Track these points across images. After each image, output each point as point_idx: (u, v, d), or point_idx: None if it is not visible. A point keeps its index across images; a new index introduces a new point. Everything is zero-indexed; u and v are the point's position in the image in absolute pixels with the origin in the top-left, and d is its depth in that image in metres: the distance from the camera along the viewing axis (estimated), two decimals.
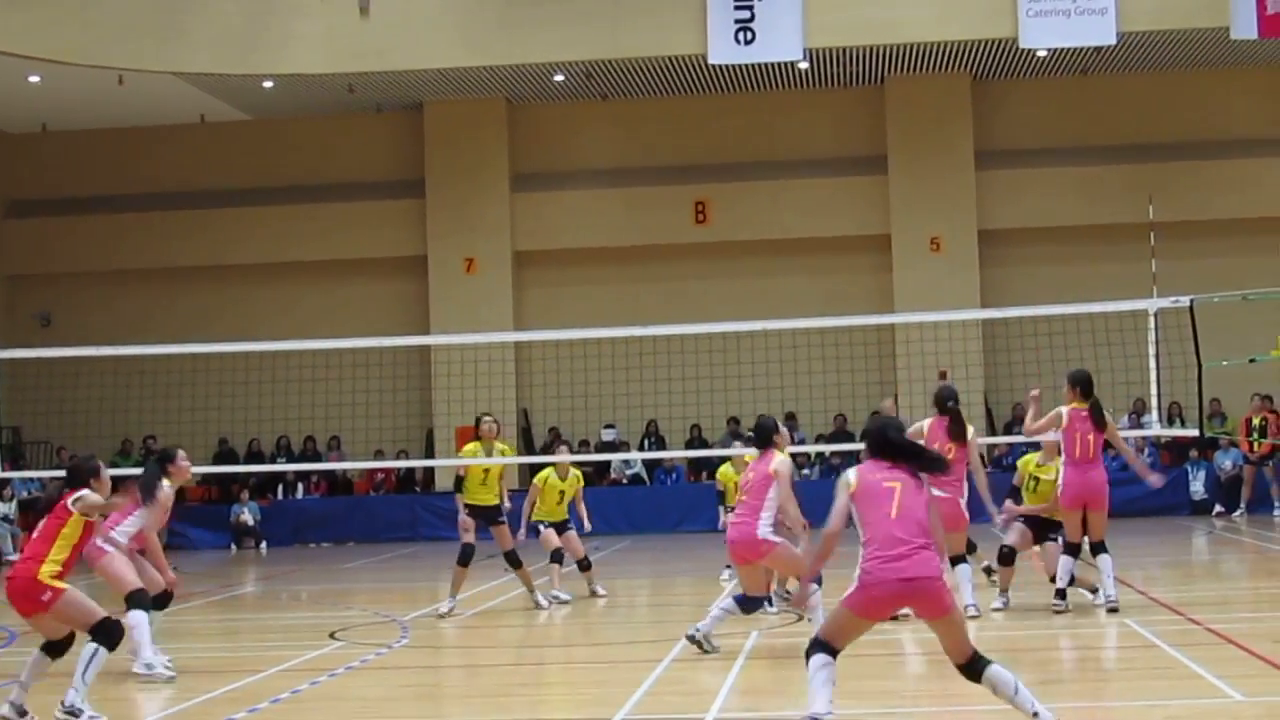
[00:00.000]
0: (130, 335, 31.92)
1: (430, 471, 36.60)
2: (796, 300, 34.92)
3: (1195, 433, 23.80)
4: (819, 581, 14.21)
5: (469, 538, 19.46)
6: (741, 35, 31.35)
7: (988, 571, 21.54)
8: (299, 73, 33.52)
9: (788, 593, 16.97)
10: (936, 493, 16.33)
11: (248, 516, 34.74)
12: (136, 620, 14.38)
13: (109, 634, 12.47)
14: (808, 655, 10.48)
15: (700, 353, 31.44)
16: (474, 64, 33.76)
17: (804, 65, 34.22)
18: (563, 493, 21.18)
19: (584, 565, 21.21)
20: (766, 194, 36.88)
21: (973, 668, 10.50)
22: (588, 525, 21.73)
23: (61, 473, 15.19)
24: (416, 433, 36.80)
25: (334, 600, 21.96)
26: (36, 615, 12.51)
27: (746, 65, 33.36)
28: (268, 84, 34.41)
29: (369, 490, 36.79)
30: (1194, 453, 33.82)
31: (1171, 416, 31.73)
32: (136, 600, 14.54)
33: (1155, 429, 22.30)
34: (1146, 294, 23.71)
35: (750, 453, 16.61)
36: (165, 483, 14.82)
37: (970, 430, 17.06)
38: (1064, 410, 16.82)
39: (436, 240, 37.16)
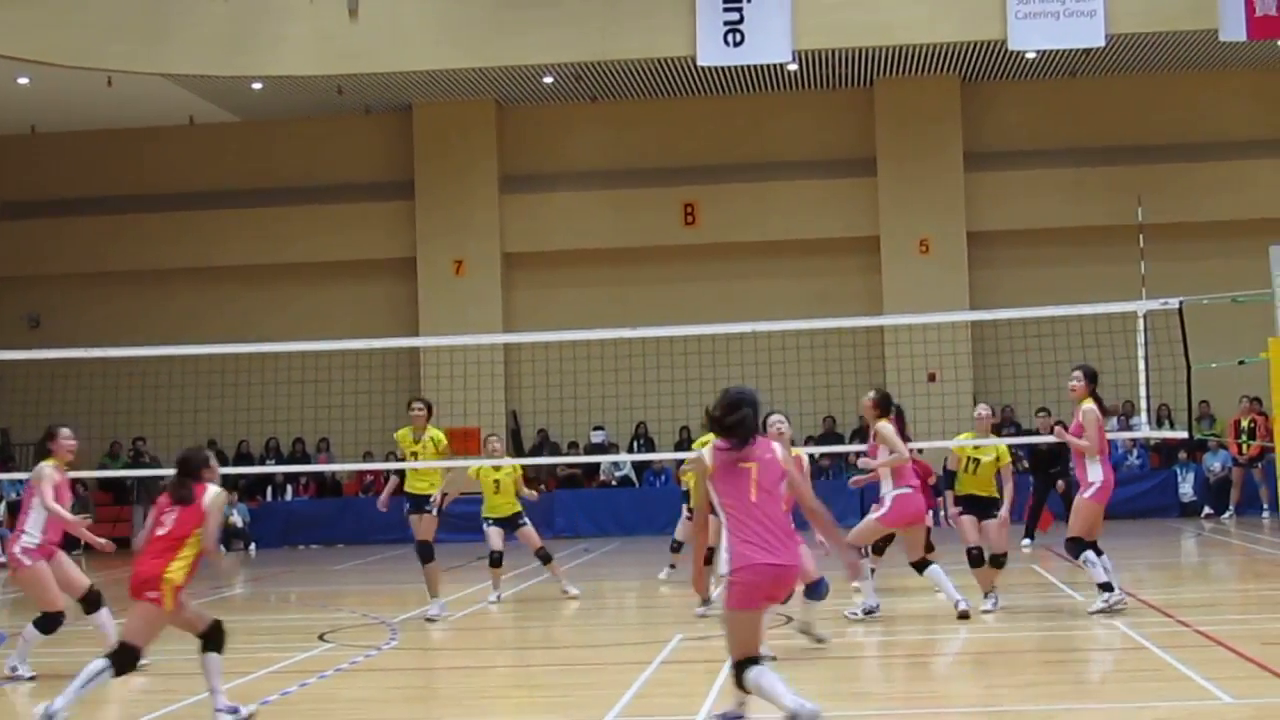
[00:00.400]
0: (119, 337, 31.93)
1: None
2: (785, 302, 34.92)
3: (1184, 435, 23.82)
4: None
5: (421, 534, 19.43)
6: (730, 37, 31.35)
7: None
8: (288, 74, 33.50)
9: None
10: (895, 491, 16.56)
11: (236, 518, 34.70)
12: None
13: (218, 638, 12.54)
14: (737, 679, 10.20)
15: (689, 354, 31.43)
16: (463, 66, 33.76)
17: (793, 67, 34.24)
18: (498, 482, 21.37)
19: (544, 558, 21.19)
20: (755, 196, 36.90)
21: (751, 661, 10.28)
22: (534, 494, 22.12)
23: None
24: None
25: (323, 602, 21.95)
26: (142, 601, 12.43)
27: (735, 67, 33.38)
28: (256, 85, 34.39)
29: (358, 492, 36.75)
30: (1183, 455, 33.89)
31: (1160, 418, 31.74)
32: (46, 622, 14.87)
33: (1144, 431, 22.33)
34: (1135, 296, 23.79)
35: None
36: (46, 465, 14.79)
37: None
38: (1095, 408, 17.08)
39: (426, 242, 37.15)
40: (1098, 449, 16.97)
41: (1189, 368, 20.18)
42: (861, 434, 34.71)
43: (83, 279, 38.50)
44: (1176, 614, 16.40)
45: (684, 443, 34.78)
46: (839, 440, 34.67)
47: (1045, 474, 27.17)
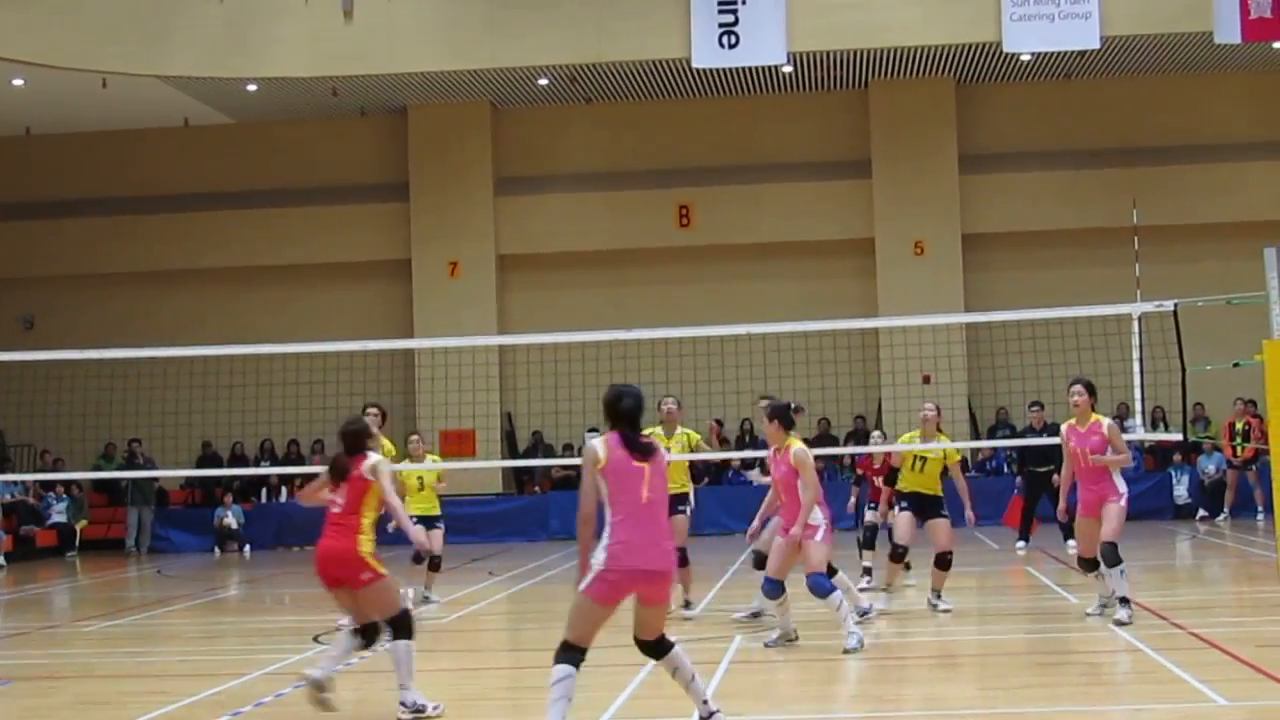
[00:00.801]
0: (114, 338, 31.88)
1: None
2: (780, 304, 34.94)
3: (1179, 437, 23.80)
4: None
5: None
6: (725, 39, 31.35)
7: (906, 566, 21.36)
8: (283, 76, 33.49)
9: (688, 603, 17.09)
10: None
11: (231, 520, 34.70)
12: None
13: (408, 626, 12.62)
14: (555, 659, 10.36)
15: (684, 356, 31.43)
16: (458, 68, 33.75)
17: (788, 69, 34.25)
18: (421, 479, 21.23)
19: (433, 565, 21.11)
20: (750, 198, 36.90)
21: (659, 647, 10.58)
22: (443, 483, 22.24)
23: (47, 475, 15.16)
24: (400, 436, 36.69)
25: (317, 603, 21.91)
26: (342, 588, 12.60)
27: (730, 69, 33.37)
28: (251, 87, 34.37)
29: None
30: (1177, 457, 33.90)
31: (1155, 421, 31.78)
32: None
33: (1139, 433, 22.26)
34: (1130, 298, 23.79)
35: None
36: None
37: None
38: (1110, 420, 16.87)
39: (420, 244, 37.14)
40: (1129, 456, 16.70)
41: (1184, 370, 20.20)
42: (857, 436, 34.80)
43: (77, 280, 38.48)
44: (1171, 616, 16.41)
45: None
46: (834, 442, 34.65)
47: (1035, 474, 27.11)
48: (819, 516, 15.56)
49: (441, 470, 21.84)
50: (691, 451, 19.22)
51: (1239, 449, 32.11)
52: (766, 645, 15.64)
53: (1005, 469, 34.27)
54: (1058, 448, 27.03)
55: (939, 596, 18.02)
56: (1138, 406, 21.15)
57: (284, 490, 36.07)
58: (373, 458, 12.81)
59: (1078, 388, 16.73)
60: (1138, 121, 36.58)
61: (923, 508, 18.32)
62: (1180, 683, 12.59)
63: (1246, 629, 15.90)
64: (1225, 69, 35.61)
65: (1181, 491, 33.78)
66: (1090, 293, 30.37)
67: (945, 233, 36.19)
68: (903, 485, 18.72)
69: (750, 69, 33.73)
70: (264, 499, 36.08)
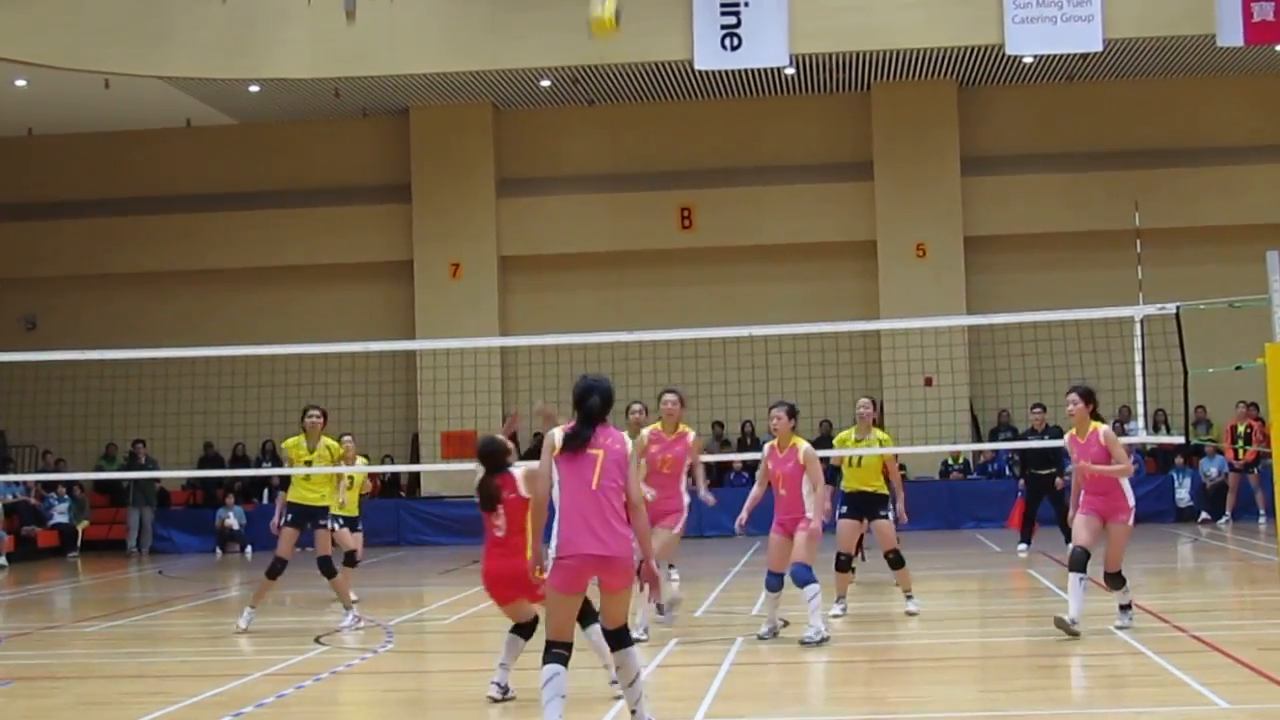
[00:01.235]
0: (116, 339, 31.88)
1: (415, 476, 36.64)
2: (782, 306, 34.95)
3: (1180, 440, 23.78)
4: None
5: (286, 552, 18.58)
6: (728, 41, 31.34)
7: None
8: (285, 77, 33.49)
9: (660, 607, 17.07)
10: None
11: (232, 520, 34.72)
12: None
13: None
14: (543, 660, 10.51)
15: (685, 358, 31.43)
16: (460, 69, 33.75)
17: (790, 71, 34.26)
18: (351, 479, 21.21)
19: (349, 562, 21.11)
20: (752, 200, 36.90)
21: (619, 638, 10.66)
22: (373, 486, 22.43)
23: (49, 476, 15.15)
24: (402, 437, 36.79)
25: (319, 605, 21.93)
26: (516, 602, 12.85)
27: (733, 71, 33.35)
28: (254, 88, 34.38)
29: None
30: (1179, 460, 33.90)
31: (1157, 424, 31.74)
32: None
33: (1140, 436, 22.24)
34: (1132, 300, 23.78)
35: None
36: None
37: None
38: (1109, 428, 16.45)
39: (422, 245, 37.14)
40: (1129, 464, 15.98)
41: (1186, 373, 20.18)
42: None
43: (79, 281, 38.49)
44: (1172, 619, 16.41)
45: None
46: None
47: (1036, 476, 27.12)
48: (812, 512, 16.01)
49: (364, 474, 22.00)
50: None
51: (1240, 452, 32.11)
52: (759, 638, 16.14)
53: (1007, 471, 34.26)
54: (1059, 450, 27.17)
55: (909, 598, 17.93)
56: (1139, 409, 21.12)
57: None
58: (517, 471, 13.10)
59: (1073, 396, 16.19)
60: (1140, 124, 36.58)
61: (865, 507, 18.01)
62: (1182, 685, 12.59)
63: (1248, 632, 15.91)
64: (1227, 72, 35.62)
65: (1183, 494, 33.78)
66: (1092, 295, 30.36)
67: (947, 235, 36.18)
68: (845, 485, 18.53)
69: (752, 71, 33.71)
70: (265, 500, 36.05)
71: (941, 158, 36.35)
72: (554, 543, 10.50)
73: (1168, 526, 32.42)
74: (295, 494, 18.59)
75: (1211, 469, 33.59)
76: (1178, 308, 20.20)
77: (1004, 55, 32.99)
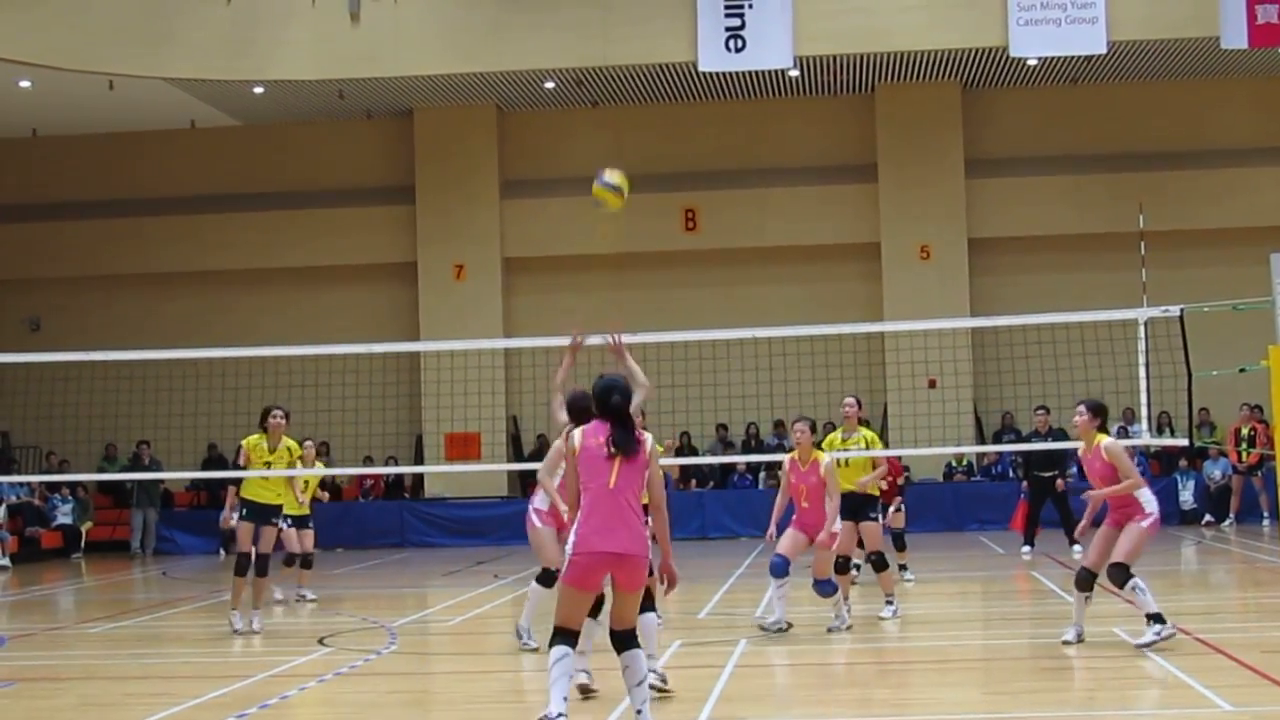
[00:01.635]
0: (120, 340, 31.88)
1: (419, 478, 36.64)
2: (786, 308, 34.96)
3: (1184, 442, 23.79)
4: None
5: (245, 545, 18.71)
6: (732, 43, 31.36)
7: (902, 568, 21.80)
8: (289, 78, 33.50)
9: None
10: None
11: (233, 520, 34.65)
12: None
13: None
14: (550, 643, 10.70)
15: (689, 360, 31.44)
16: (464, 70, 33.76)
17: (794, 73, 34.26)
18: (306, 483, 21.82)
19: (306, 563, 22.13)
20: (756, 202, 36.90)
21: (627, 640, 10.67)
22: (324, 496, 23.25)
23: (53, 477, 15.16)
24: (405, 439, 36.79)
25: (323, 606, 21.95)
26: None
27: (737, 73, 33.34)
28: (258, 89, 34.39)
29: (358, 496, 36.76)
30: (1183, 462, 33.90)
31: (1160, 426, 31.73)
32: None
33: (1144, 438, 22.27)
34: (1136, 303, 23.78)
35: None
36: None
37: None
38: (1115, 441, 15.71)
39: (426, 246, 37.15)
40: (1138, 479, 15.19)
41: (1189, 375, 20.17)
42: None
43: (84, 282, 38.52)
44: (1176, 621, 16.38)
45: (684, 448, 34.82)
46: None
47: (1040, 478, 27.11)
48: (838, 524, 16.47)
49: (317, 476, 22.83)
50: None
51: (1244, 454, 32.10)
52: (763, 628, 16.49)
53: (1010, 474, 34.24)
54: (1063, 452, 27.18)
55: (888, 602, 17.80)
56: (1143, 412, 21.11)
57: None
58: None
59: (1080, 408, 15.66)
60: (1144, 126, 36.57)
61: (855, 509, 17.68)
62: (1185, 688, 12.59)
63: (1251, 634, 15.90)
64: (1232, 74, 35.62)
65: (1187, 497, 33.78)
66: (1096, 298, 30.40)
67: (951, 237, 36.18)
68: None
69: (756, 73, 33.69)
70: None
71: (945, 160, 36.35)
72: (570, 540, 10.62)
73: (1171, 529, 32.39)
74: (251, 491, 18.62)
75: (1215, 471, 33.59)
76: (1181, 310, 20.19)
77: (1008, 57, 33.01)
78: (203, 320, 37.51)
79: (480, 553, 31.43)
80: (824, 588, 16.43)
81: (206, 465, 35.52)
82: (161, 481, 34.87)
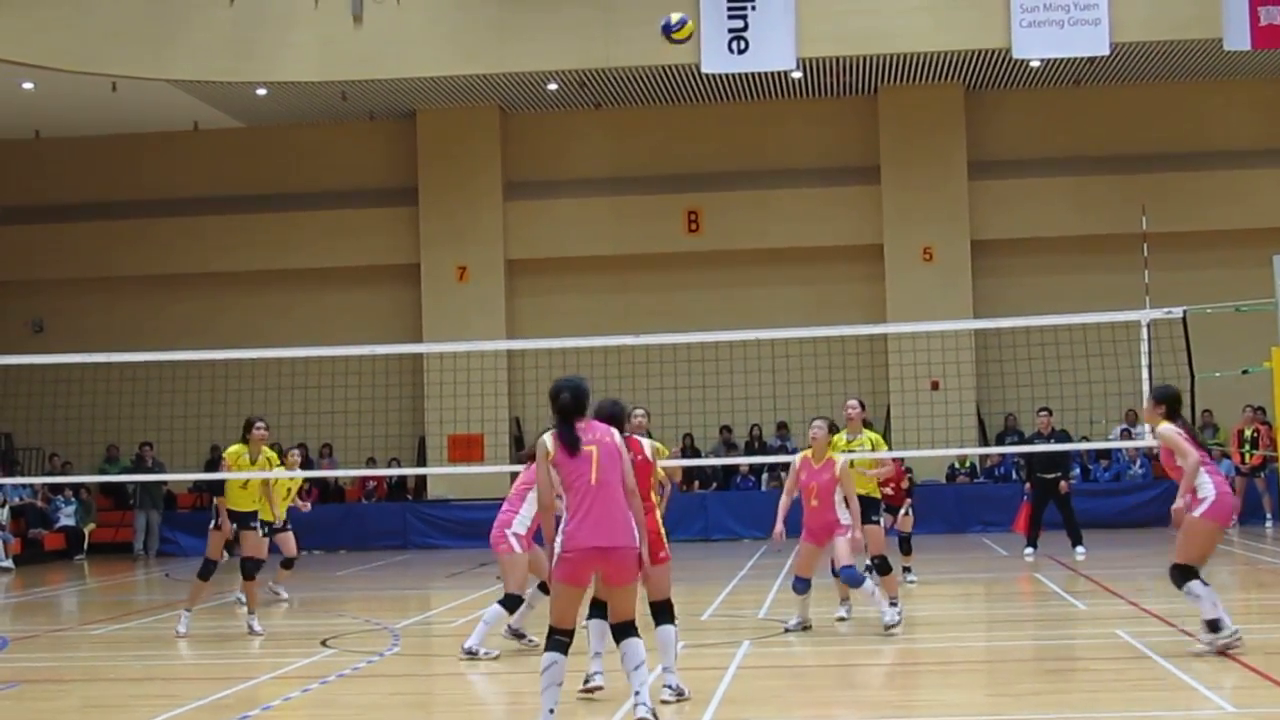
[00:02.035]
0: (123, 342, 31.91)
1: (422, 479, 36.63)
2: (788, 309, 34.96)
3: None
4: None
5: (215, 553, 18.87)
6: (735, 45, 31.36)
7: (906, 570, 21.87)
8: (292, 80, 33.51)
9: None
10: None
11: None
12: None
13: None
14: (544, 647, 11.03)
15: (692, 362, 31.46)
16: (467, 72, 33.76)
17: (797, 75, 34.27)
18: (289, 490, 22.56)
19: (286, 564, 22.83)
20: (759, 203, 36.89)
21: (624, 630, 11.09)
22: (307, 507, 23.75)
23: (56, 479, 15.17)
24: (409, 440, 36.79)
25: (325, 607, 21.96)
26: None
27: (740, 74, 33.33)
28: (261, 91, 34.40)
29: (360, 498, 36.74)
30: None
31: None
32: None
33: (1147, 440, 22.25)
34: (1139, 305, 23.80)
35: None
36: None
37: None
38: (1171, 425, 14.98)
39: (429, 248, 37.15)
40: (1195, 462, 14.57)
41: (1192, 377, 20.16)
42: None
43: (87, 284, 38.53)
44: (1179, 623, 16.39)
45: (687, 449, 34.80)
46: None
47: (1043, 480, 27.09)
48: (847, 517, 16.51)
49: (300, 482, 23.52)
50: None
51: (1247, 456, 32.10)
52: (786, 630, 16.55)
53: (1014, 475, 34.22)
54: (1066, 454, 27.21)
55: (892, 603, 17.38)
56: None
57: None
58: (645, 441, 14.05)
59: (1148, 400, 15.30)
60: (1147, 128, 36.56)
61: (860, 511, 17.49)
62: (1188, 689, 12.59)
63: (1254, 636, 15.88)
64: (1235, 76, 35.62)
65: None
66: (1099, 299, 30.38)
67: (954, 239, 36.16)
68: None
69: (759, 74, 33.70)
70: None
71: (948, 161, 36.34)
72: (559, 538, 10.88)
73: (1174, 530, 32.37)
74: (230, 500, 18.81)
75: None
76: (1184, 312, 20.20)
77: (1011, 59, 33.01)
78: (205, 322, 37.51)
79: (483, 554, 31.29)
80: (851, 575, 16.39)
81: (209, 467, 35.45)
82: (164, 483, 34.86)
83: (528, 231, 37.31)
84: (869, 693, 13.71)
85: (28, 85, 33.14)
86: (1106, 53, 31.74)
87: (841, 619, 17.66)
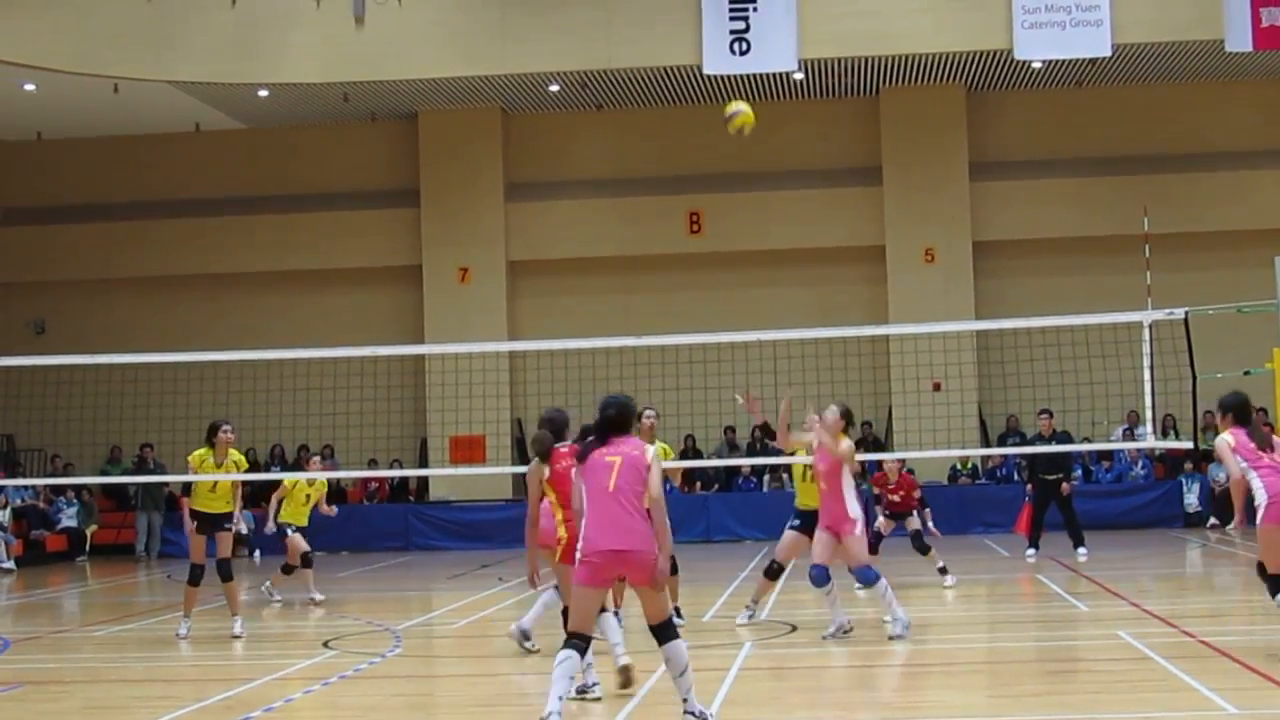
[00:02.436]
0: (124, 343, 31.89)
1: (423, 481, 36.63)
2: (790, 311, 34.95)
3: (1189, 445, 23.75)
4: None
5: (198, 558, 18.70)
6: (736, 46, 31.37)
7: (943, 571, 21.90)
8: (294, 82, 33.52)
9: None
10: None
11: (241, 525, 34.60)
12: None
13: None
14: (563, 645, 11.30)
15: (694, 363, 31.43)
16: (469, 73, 33.76)
17: (799, 76, 34.27)
18: (309, 496, 22.94)
19: (306, 562, 22.90)
20: (760, 204, 36.89)
21: (663, 632, 11.38)
22: (333, 511, 24.11)
23: (58, 480, 15.17)
24: (410, 442, 36.79)
25: (327, 609, 21.95)
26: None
27: (741, 76, 33.30)
28: (263, 93, 34.41)
29: (362, 499, 36.73)
30: (1188, 465, 33.86)
31: (1165, 429, 31.70)
32: None
33: (1149, 441, 22.25)
34: (1141, 306, 23.74)
35: None
36: None
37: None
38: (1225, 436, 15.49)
39: (431, 249, 37.15)
40: (1239, 472, 15.10)
41: (1194, 378, 20.15)
42: (868, 443, 34.81)
43: (88, 285, 38.54)
44: (1181, 624, 16.39)
45: (689, 451, 34.81)
46: None
47: (1044, 481, 27.06)
48: (856, 511, 16.34)
49: (325, 487, 23.79)
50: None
51: None
52: (824, 638, 16.34)
53: (1015, 477, 34.22)
54: (1067, 455, 27.19)
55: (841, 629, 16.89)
56: (1148, 415, 21.11)
57: None
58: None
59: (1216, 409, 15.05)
60: (1149, 129, 36.56)
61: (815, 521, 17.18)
62: (1190, 691, 12.58)
63: (1257, 637, 15.88)
64: (1236, 77, 35.62)
65: (1192, 500, 33.76)
66: (1101, 300, 30.37)
67: (956, 240, 36.16)
68: (799, 502, 18.07)
69: (761, 76, 33.69)
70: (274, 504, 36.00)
71: (950, 163, 36.34)
72: (580, 543, 11.31)
73: (1176, 531, 32.41)
74: (199, 502, 18.68)
75: (1220, 474, 33.55)
76: (1186, 313, 20.18)
77: (1013, 60, 33.01)
78: (207, 323, 37.51)
79: (485, 556, 31.41)
80: (864, 574, 16.22)
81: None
82: (166, 484, 34.84)
83: (529, 233, 37.32)
84: (871, 694, 13.70)
85: (29, 87, 33.15)
86: (1108, 54, 31.73)
87: (742, 624, 17.61)
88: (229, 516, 18.90)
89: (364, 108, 36.48)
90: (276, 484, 35.32)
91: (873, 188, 36.67)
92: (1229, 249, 35.24)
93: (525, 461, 35.60)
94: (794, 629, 16.55)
